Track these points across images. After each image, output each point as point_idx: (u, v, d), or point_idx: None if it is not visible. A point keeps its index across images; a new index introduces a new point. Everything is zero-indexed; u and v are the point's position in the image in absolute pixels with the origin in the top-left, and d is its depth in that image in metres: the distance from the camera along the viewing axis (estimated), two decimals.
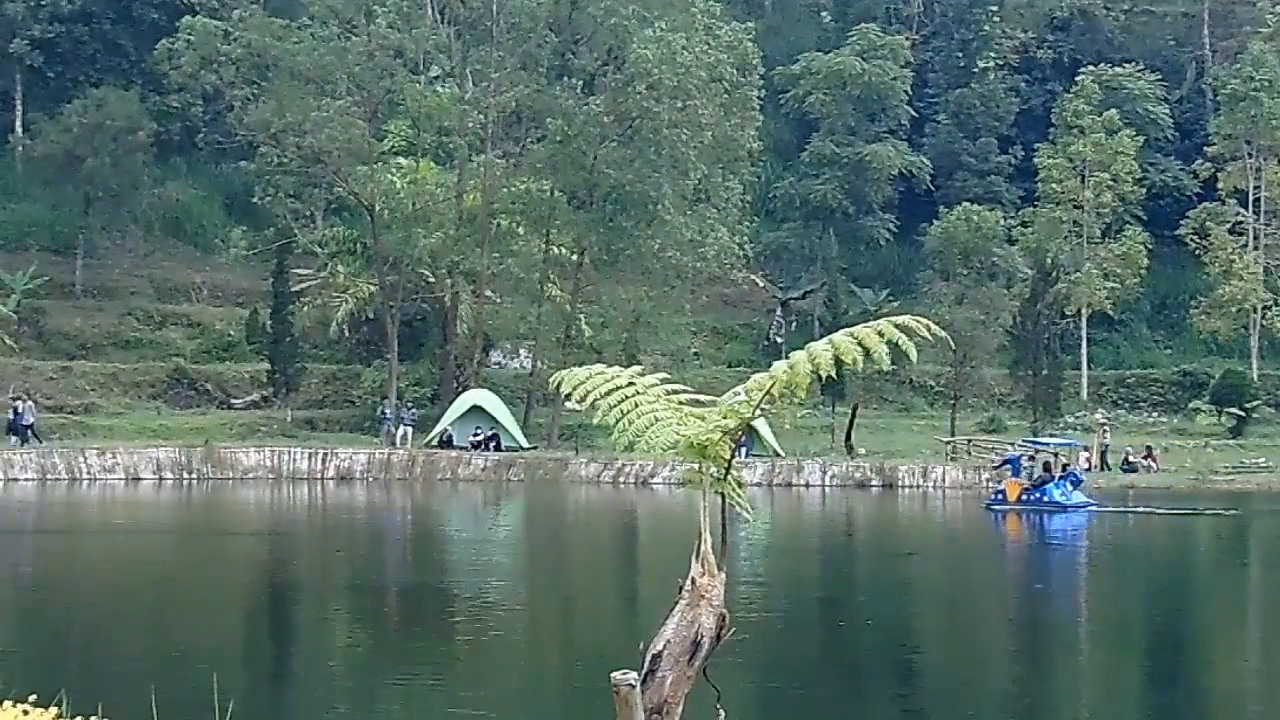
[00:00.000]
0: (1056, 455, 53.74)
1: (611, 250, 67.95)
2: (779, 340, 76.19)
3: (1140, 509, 50.98)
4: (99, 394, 67.12)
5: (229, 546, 39.07)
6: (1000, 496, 51.17)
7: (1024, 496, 50.23)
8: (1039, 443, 55.99)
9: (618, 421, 6.11)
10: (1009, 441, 65.58)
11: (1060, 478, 51.21)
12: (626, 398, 6.16)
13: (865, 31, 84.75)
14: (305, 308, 70.10)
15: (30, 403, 59.83)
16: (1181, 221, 78.12)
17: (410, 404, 65.96)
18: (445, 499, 56.50)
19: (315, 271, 72.28)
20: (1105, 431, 65.71)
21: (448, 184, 69.06)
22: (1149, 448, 65.28)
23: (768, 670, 21.43)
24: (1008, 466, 53.21)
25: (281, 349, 66.98)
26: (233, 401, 68.46)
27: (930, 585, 34.02)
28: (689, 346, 67.53)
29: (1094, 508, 49.86)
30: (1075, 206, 76.47)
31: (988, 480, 56.78)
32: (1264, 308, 75.74)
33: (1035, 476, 51.59)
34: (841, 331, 6.06)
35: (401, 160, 70.18)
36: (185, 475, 58.06)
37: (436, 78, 73.02)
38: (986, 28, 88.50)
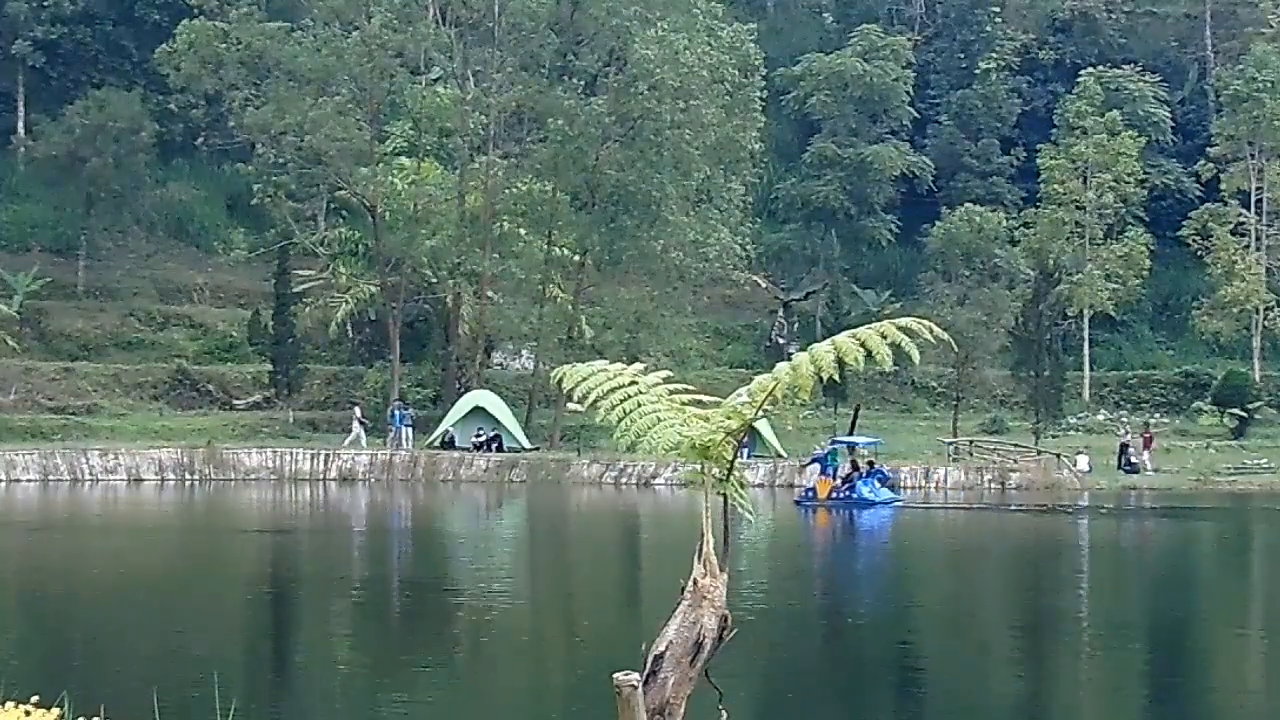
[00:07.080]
0: (864, 454, 55.00)
1: (613, 251, 67.88)
2: (781, 341, 76.10)
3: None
4: (101, 395, 67.09)
5: (231, 547, 39.08)
6: (811, 494, 52.30)
7: (834, 493, 51.79)
8: (848, 441, 56.48)
9: (620, 421, 6.10)
10: (1012, 442, 65.71)
11: (868, 475, 52.52)
12: (629, 397, 6.14)
13: (867, 33, 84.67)
14: (307, 309, 70.06)
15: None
16: (1183, 222, 78.04)
17: (407, 405, 65.85)
18: (447, 500, 56.48)
19: (317, 272, 72.26)
20: (1127, 431, 65.69)
21: (449, 185, 69.00)
22: (1146, 423, 65.04)
23: (770, 670, 21.43)
24: (817, 464, 54.02)
25: (283, 350, 66.98)
26: (235, 402, 68.44)
27: (921, 586, 34.02)
28: (689, 348, 67.35)
29: (900, 504, 51.79)
30: (1077, 207, 76.36)
31: (802, 479, 56.92)
32: (1266, 308, 75.64)
33: (844, 474, 52.78)
34: (844, 333, 6.06)
35: (405, 160, 70.13)
36: (187, 476, 58.06)
37: (438, 79, 72.95)
38: (988, 29, 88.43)
